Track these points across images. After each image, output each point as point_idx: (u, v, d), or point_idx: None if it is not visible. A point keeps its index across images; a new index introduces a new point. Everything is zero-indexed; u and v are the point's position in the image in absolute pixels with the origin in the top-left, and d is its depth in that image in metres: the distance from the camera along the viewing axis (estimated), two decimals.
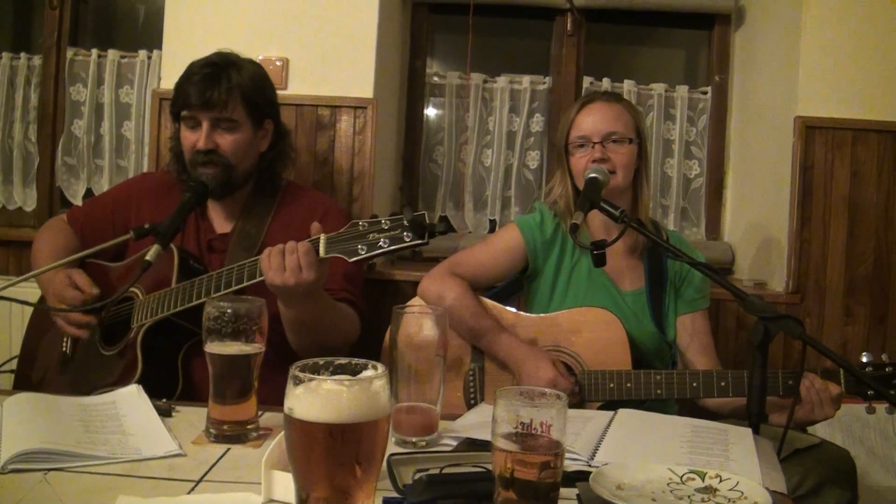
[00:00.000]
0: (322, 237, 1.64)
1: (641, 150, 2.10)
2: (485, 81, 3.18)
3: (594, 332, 1.98)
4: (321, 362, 0.98)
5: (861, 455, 2.52)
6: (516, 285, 2.24)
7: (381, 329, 2.03)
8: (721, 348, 2.20)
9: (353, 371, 0.98)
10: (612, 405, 1.73)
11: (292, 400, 0.93)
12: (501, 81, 3.18)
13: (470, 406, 1.99)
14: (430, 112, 3.28)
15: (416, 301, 2.13)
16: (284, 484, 1.08)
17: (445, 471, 1.16)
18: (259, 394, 1.41)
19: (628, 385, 1.87)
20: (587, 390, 1.89)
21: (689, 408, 2.04)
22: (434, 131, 3.26)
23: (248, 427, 1.38)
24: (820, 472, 1.82)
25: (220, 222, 2.12)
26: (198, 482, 1.18)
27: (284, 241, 1.67)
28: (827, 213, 2.72)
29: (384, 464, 1.02)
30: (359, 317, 2.01)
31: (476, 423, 1.50)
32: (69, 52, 3.17)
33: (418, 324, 1.44)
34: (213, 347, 1.37)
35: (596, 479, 1.12)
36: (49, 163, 3.22)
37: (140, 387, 1.55)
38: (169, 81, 2.66)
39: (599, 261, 1.77)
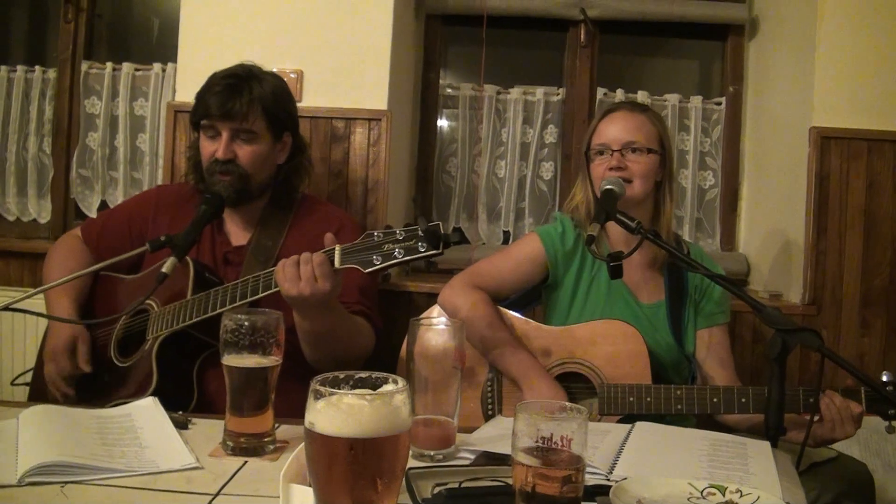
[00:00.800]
0: (337, 248, 1.64)
1: (665, 162, 2.08)
2: (498, 93, 3.19)
3: (614, 344, 1.96)
4: (341, 376, 0.98)
5: (879, 468, 2.49)
6: (533, 294, 2.22)
7: (394, 341, 2.03)
8: (737, 360, 2.17)
9: (374, 385, 0.98)
10: (630, 419, 1.72)
11: (314, 414, 0.93)
12: (515, 93, 3.18)
13: (487, 417, 1.98)
14: (444, 123, 3.29)
15: (432, 312, 2.13)
16: (303, 498, 1.07)
17: (464, 485, 1.15)
18: (273, 406, 1.40)
19: (648, 399, 1.85)
20: (606, 403, 1.87)
21: (707, 422, 2.02)
22: (448, 143, 3.26)
23: (265, 440, 1.38)
24: (838, 486, 1.80)
25: (237, 235, 2.12)
26: (216, 495, 1.18)
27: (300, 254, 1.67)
28: (843, 224, 2.71)
29: None
30: (374, 330, 2.00)
31: (493, 436, 1.50)
32: (84, 66, 3.19)
33: (435, 336, 1.44)
34: (231, 360, 1.36)
35: (616, 494, 1.12)
36: (64, 175, 3.24)
37: (156, 399, 1.55)
38: (184, 94, 2.69)
39: (615, 273, 1.76)
